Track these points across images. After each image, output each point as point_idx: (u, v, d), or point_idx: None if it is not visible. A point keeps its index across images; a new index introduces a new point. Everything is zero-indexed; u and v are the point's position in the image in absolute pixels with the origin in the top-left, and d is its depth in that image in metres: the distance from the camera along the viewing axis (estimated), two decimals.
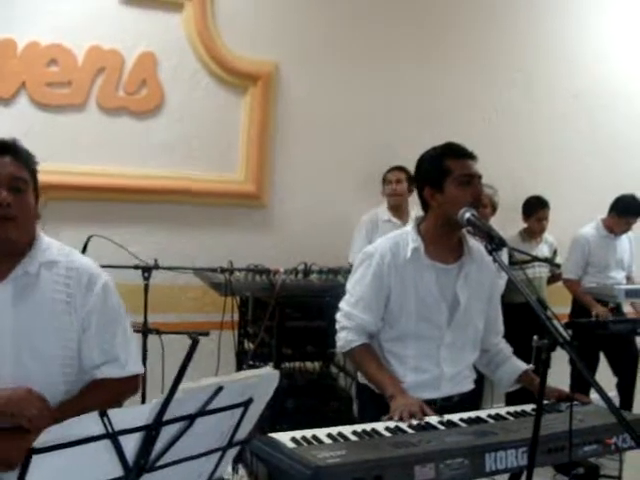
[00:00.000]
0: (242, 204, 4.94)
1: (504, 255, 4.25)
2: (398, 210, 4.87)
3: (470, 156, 2.59)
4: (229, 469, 3.93)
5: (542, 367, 1.95)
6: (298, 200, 5.07)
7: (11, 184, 1.93)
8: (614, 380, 5.13)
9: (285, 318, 3.95)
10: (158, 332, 3.44)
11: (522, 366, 2.74)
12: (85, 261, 2.11)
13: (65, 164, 4.30)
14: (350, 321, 2.62)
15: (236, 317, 4.15)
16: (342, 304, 2.71)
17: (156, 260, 3.76)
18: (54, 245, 2.09)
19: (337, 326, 2.69)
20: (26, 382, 1.92)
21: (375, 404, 2.58)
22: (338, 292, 2.83)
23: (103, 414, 1.27)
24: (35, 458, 1.24)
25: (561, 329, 1.94)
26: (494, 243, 2.28)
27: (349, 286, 2.71)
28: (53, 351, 1.99)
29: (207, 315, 4.47)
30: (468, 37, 5.57)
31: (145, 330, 3.57)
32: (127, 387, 2.13)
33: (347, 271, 3.49)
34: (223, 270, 3.83)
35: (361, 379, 2.76)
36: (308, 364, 4.22)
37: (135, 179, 4.61)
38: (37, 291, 1.99)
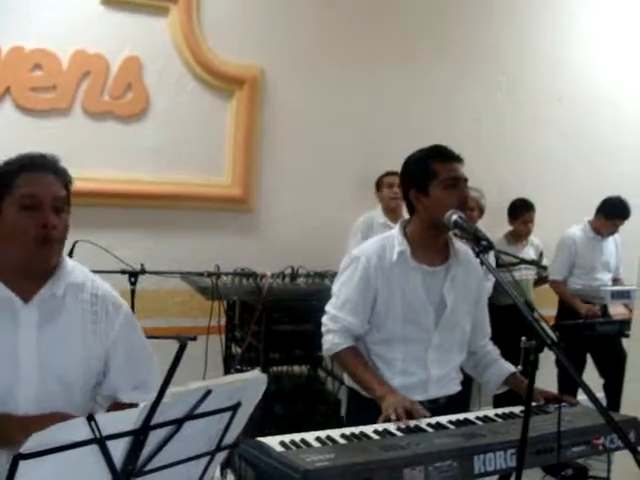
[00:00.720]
0: (229, 208, 4.93)
1: (491, 258, 4.25)
2: (395, 213, 4.87)
3: (457, 159, 2.59)
4: (217, 474, 3.92)
5: (530, 368, 1.96)
6: (285, 204, 5.06)
7: (54, 204, 1.90)
8: (601, 382, 5.16)
9: (272, 322, 3.95)
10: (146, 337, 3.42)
11: (510, 368, 2.74)
12: (107, 287, 2.09)
13: None
14: (336, 324, 2.62)
15: (223, 321, 4.13)
16: (328, 307, 2.70)
17: (142, 265, 3.74)
18: (77, 267, 2.07)
19: (323, 329, 2.68)
20: (49, 404, 1.89)
21: (362, 408, 2.59)
22: (325, 296, 2.82)
23: (90, 418, 1.26)
24: (22, 464, 1.22)
25: (548, 330, 1.94)
26: (481, 245, 2.28)
27: (335, 289, 2.71)
28: (76, 377, 1.96)
29: (194, 319, 4.45)
30: (453, 40, 5.59)
31: None
32: None
33: (334, 275, 3.49)
34: (210, 274, 3.82)
35: (348, 382, 2.76)
36: (296, 368, 4.21)
37: (121, 184, 4.59)
38: (63, 315, 1.95)
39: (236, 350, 4.28)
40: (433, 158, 2.56)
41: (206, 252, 4.61)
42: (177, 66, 4.75)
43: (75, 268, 2.04)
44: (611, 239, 5.44)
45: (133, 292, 3.74)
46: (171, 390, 1.35)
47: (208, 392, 1.42)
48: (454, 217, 2.44)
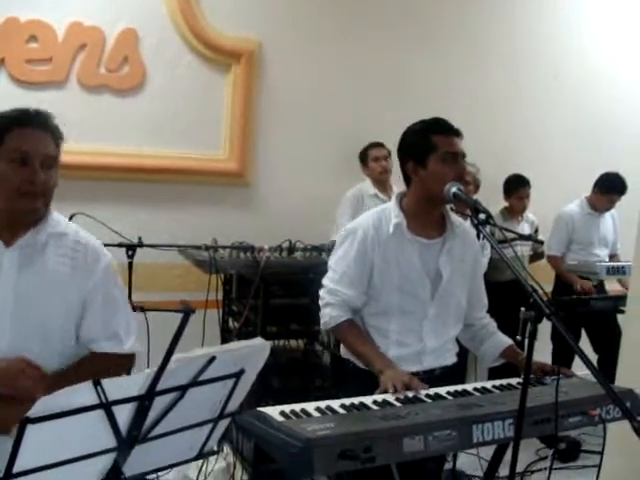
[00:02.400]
0: (226, 182, 4.94)
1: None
2: (384, 185, 4.87)
3: (456, 133, 2.58)
4: (214, 446, 3.94)
5: (529, 339, 1.98)
6: (282, 178, 5.07)
7: (45, 162, 1.95)
8: (594, 358, 5.19)
9: (270, 296, 3.94)
10: (143, 309, 3.42)
11: (506, 341, 2.76)
12: (92, 239, 2.14)
13: None
14: (334, 297, 2.62)
15: (220, 296, 4.14)
16: (325, 281, 2.70)
17: (140, 238, 3.74)
18: (63, 220, 2.12)
19: (321, 302, 2.68)
20: (23, 351, 1.93)
21: (357, 378, 2.60)
22: (322, 269, 2.82)
23: (97, 383, 1.27)
24: (29, 428, 1.23)
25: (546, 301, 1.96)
26: (478, 218, 2.29)
27: (332, 263, 2.71)
28: (54, 321, 2.00)
29: (191, 294, 4.44)
30: (449, 18, 5.58)
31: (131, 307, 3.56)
32: (122, 364, 2.14)
33: (331, 248, 3.49)
34: (207, 248, 3.82)
35: (344, 353, 2.76)
36: (292, 342, 4.22)
37: (117, 157, 4.59)
38: (43, 260, 2.01)
39: (233, 324, 4.29)
40: (433, 131, 2.55)
41: (203, 226, 4.60)
42: (174, 39, 4.73)
43: (60, 221, 2.10)
44: (608, 215, 5.47)
45: (131, 265, 3.74)
46: (176, 356, 1.36)
47: (212, 359, 1.43)
48: (453, 189, 2.44)
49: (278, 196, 5.06)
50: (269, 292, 3.94)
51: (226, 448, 4.18)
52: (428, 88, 5.40)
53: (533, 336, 1.97)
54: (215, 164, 4.87)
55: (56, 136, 2.01)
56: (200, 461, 3.73)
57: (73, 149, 4.38)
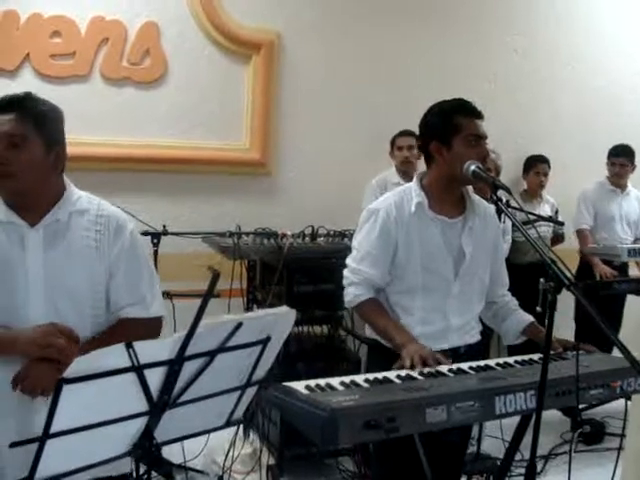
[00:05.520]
0: (248, 172, 4.99)
1: (506, 219, 4.27)
2: (408, 174, 4.89)
3: (478, 115, 2.60)
4: (240, 433, 4.00)
5: (549, 309, 2.00)
6: (303, 166, 5.11)
7: (7, 140, 1.98)
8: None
9: (293, 282, 3.96)
10: (169, 295, 3.49)
11: (528, 318, 2.78)
12: (114, 209, 2.19)
13: (70, 135, 4.25)
14: (357, 276, 2.65)
15: (244, 284, 4.18)
16: (349, 260, 2.73)
17: (165, 226, 3.79)
18: (84, 196, 2.17)
19: (344, 282, 2.71)
20: (59, 319, 1.99)
21: (384, 358, 2.60)
22: (345, 254, 2.83)
23: (129, 346, 1.32)
24: (65, 388, 1.28)
25: (567, 272, 1.99)
26: (497, 195, 2.32)
27: (355, 243, 2.74)
28: (84, 292, 2.06)
29: (219, 283, 4.48)
30: (468, 2, 5.59)
31: None
32: (151, 328, 2.18)
33: (353, 234, 3.51)
34: (231, 234, 3.87)
35: (369, 333, 2.79)
36: (316, 328, 4.24)
37: (141, 149, 4.65)
38: (68, 236, 2.07)
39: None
40: (458, 112, 2.57)
41: (226, 215, 4.64)
42: (194, 31, 4.78)
43: (82, 198, 2.15)
44: (633, 195, 5.51)
45: (156, 253, 3.80)
46: (204, 321, 1.40)
47: (239, 325, 1.47)
48: (472, 167, 2.46)
49: (300, 184, 5.10)
50: (292, 278, 3.96)
51: (252, 434, 4.24)
52: (447, 72, 5.40)
53: (553, 307, 1.99)
54: (237, 154, 4.93)
55: (30, 115, 2.02)
56: (227, 446, 3.79)
57: (97, 141, 4.50)
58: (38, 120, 2.03)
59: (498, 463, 3.92)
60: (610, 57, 6.14)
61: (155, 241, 3.80)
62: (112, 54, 4.58)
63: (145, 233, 3.73)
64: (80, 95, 4.49)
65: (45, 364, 1.87)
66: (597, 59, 6.10)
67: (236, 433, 3.83)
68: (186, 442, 3.37)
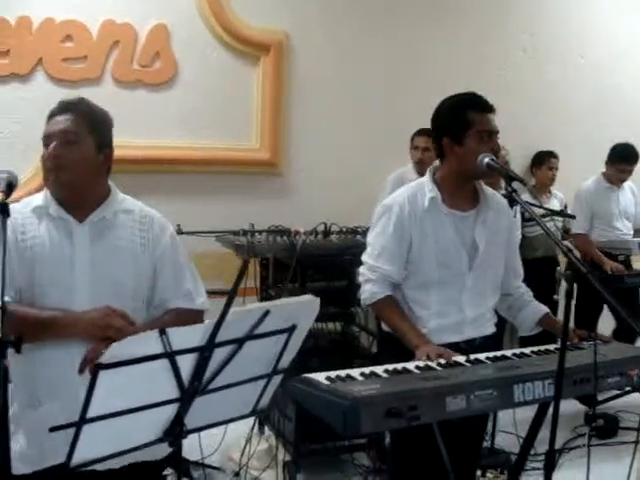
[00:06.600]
0: (258, 171, 5.03)
1: (517, 213, 4.29)
2: (423, 174, 4.89)
3: (490, 109, 2.62)
4: (256, 429, 4.03)
5: (566, 298, 2.03)
6: (313, 165, 5.14)
7: (61, 138, 2.11)
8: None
9: (307, 279, 3.98)
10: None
11: (543, 309, 2.80)
12: (156, 212, 2.33)
13: None
14: (374, 273, 2.67)
15: (257, 283, 4.20)
16: (365, 257, 2.75)
17: (179, 225, 3.82)
18: (129, 199, 2.31)
19: (361, 279, 2.73)
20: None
21: (396, 347, 2.63)
22: (358, 251, 2.86)
23: (162, 332, 1.36)
24: (101, 374, 1.32)
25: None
26: (511, 186, 2.35)
27: (370, 239, 2.76)
28: (127, 287, 2.16)
29: (229, 282, 4.51)
30: (479, 3, 5.64)
31: None
32: (195, 320, 2.22)
33: (366, 230, 3.53)
34: (245, 232, 3.90)
35: (385, 327, 2.82)
36: (330, 325, 4.26)
37: (152, 150, 4.70)
38: (114, 233, 2.19)
39: None
40: (470, 107, 2.58)
41: (237, 215, 4.63)
42: (203, 33, 4.83)
43: (126, 200, 2.30)
44: (627, 188, 5.45)
45: None
46: (233, 309, 1.44)
47: (267, 312, 1.51)
48: (486, 160, 2.48)
49: (310, 183, 5.14)
50: (305, 275, 3.97)
51: (267, 430, 4.26)
52: (455, 70, 5.41)
53: (570, 295, 2.02)
54: (247, 154, 4.97)
55: (84, 115, 2.18)
56: (243, 443, 3.82)
57: None
58: (91, 121, 2.19)
59: (512, 457, 3.95)
60: (620, 54, 6.16)
61: None
62: (123, 57, 4.64)
63: None
64: (92, 98, 4.39)
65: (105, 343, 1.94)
66: (606, 56, 6.12)
67: (252, 429, 3.87)
68: (203, 439, 3.45)
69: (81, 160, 2.12)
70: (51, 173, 2.10)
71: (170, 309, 2.23)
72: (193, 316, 2.21)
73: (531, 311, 2.81)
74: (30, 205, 2.18)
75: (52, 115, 2.18)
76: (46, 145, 2.13)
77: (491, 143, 2.58)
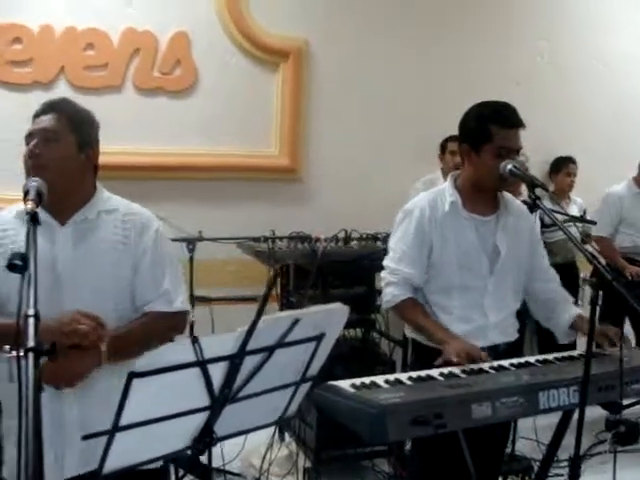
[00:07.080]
0: (278, 178, 5.05)
1: (536, 219, 4.28)
2: None
3: (517, 124, 2.58)
4: (276, 436, 4.03)
5: (591, 304, 2.03)
6: (333, 171, 5.15)
7: (42, 135, 2.11)
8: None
9: (327, 286, 3.99)
10: (206, 300, 3.54)
11: (574, 313, 2.73)
12: (142, 210, 2.29)
13: (104, 145, 4.34)
14: (395, 276, 2.68)
15: (278, 289, 4.21)
16: (386, 261, 2.76)
17: (200, 232, 3.85)
18: (115, 198, 2.28)
19: (382, 283, 2.75)
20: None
21: (426, 356, 2.62)
22: (379, 257, 2.87)
23: (195, 341, 1.37)
24: (135, 382, 1.33)
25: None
26: (535, 193, 2.35)
27: (392, 244, 2.77)
28: (108, 289, 2.14)
29: (249, 288, 4.53)
30: (495, 6, 5.63)
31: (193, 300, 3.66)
32: (175, 323, 2.26)
33: (386, 237, 3.54)
34: (266, 239, 3.91)
35: (409, 333, 2.83)
36: (350, 331, 4.26)
37: (173, 157, 4.73)
38: (96, 233, 2.16)
39: None
40: (494, 121, 2.55)
41: (258, 222, 4.66)
42: (223, 41, 4.87)
43: (111, 199, 2.27)
44: None
45: (192, 259, 3.85)
46: (263, 317, 1.45)
47: (296, 320, 1.52)
48: (509, 166, 2.48)
49: (330, 189, 5.14)
50: (326, 282, 3.98)
51: (288, 436, 4.27)
52: (475, 76, 5.41)
53: (595, 302, 2.02)
54: (267, 160, 5.00)
55: (67, 115, 2.18)
56: (263, 449, 3.83)
57: (130, 150, 4.57)
58: (72, 121, 2.18)
59: (533, 463, 3.94)
60: (637, 61, 6.14)
61: (190, 247, 3.85)
62: (144, 65, 4.68)
63: (181, 239, 3.79)
64: (113, 105, 4.56)
65: (72, 355, 1.93)
66: (625, 61, 6.10)
67: (272, 436, 3.88)
68: (224, 445, 3.47)
69: (60, 159, 2.10)
70: (32, 172, 2.07)
71: (146, 312, 2.19)
72: (169, 320, 2.21)
73: (562, 317, 2.75)
74: (14, 210, 2.17)
75: (36, 115, 2.18)
76: (28, 144, 2.13)
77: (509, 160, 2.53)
